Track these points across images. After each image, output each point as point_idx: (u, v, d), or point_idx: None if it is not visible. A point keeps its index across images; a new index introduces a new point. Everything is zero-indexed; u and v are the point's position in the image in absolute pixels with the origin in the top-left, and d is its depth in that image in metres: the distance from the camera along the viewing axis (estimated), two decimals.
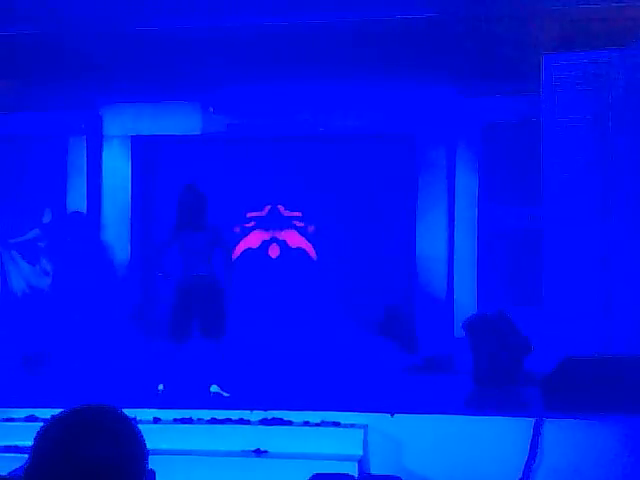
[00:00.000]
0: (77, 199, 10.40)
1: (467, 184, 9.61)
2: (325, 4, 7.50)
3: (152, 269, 8.45)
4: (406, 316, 9.72)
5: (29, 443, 5.53)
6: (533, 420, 6.10)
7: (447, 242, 9.66)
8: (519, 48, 8.05)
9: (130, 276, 10.35)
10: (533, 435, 6.03)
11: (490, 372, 6.67)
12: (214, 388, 7.37)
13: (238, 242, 10.28)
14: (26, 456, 5.28)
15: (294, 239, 10.37)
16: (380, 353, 9.12)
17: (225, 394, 7.35)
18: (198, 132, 10.30)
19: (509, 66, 8.36)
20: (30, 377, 8.62)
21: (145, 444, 1.97)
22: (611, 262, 7.50)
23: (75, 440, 1.84)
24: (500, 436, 6.12)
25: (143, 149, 10.64)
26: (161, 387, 7.36)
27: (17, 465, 5.40)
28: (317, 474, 5.16)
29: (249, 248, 10.40)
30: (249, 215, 10.44)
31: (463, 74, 8.74)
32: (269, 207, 10.43)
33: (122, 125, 10.47)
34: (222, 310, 7.54)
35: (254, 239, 10.40)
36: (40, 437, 1.89)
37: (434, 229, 9.72)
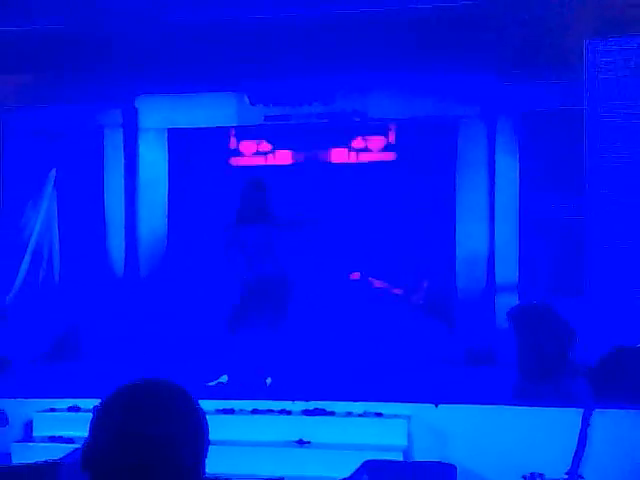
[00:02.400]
0: (114, 192, 10.41)
1: (508, 172, 9.48)
2: None
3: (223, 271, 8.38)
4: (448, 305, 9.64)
5: (72, 433, 5.53)
6: (581, 411, 6.00)
7: (488, 231, 9.54)
8: (561, 34, 7.94)
9: (166, 270, 10.31)
10: (581, 426, 5.93)
11: (536, 363, 6.56)
12: (270, 380, 7.37)
13: None
14: (69, 446, 5.27)
15: None
16: (423, 344, 9.05)
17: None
18: (234, 124, 10.25)
19: (550, 53, 8.24)
20: (64, 365, 8.67)
21: (205, 418, 1.91)
22: None
23: (133, 417, 1.79)
24: (548, 427, 6.04)
25: (179, 141, 10.61)
26: (225, 378, 7.39)
27: (61, 455, 5.42)
28: (368, 460, 5.11)
29: None
30: None
31: (504, 61, 8.63)
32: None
33: (158, 117, 10.45)
34: (285, 303, 7.54)
35: None
36: (98, 414, 1.84)
37: (474, 218, 9.60)
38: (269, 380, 7.38)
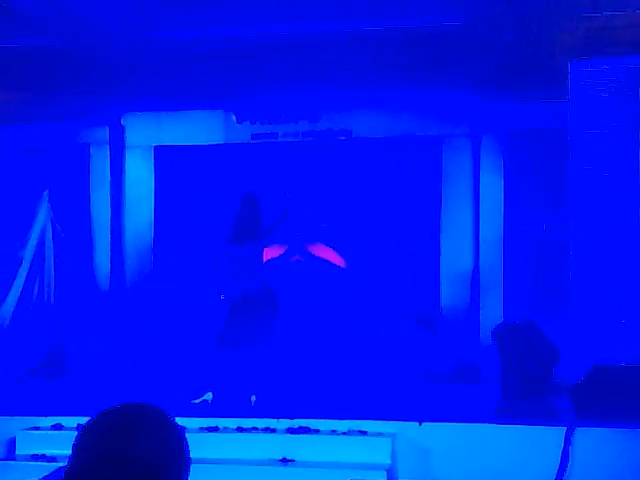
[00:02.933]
0: (100, 209, 10.40)
1: (492, 190, 9.55)
2: (350, 12, 7.50)
3: (211, 289, 8.39)
4: (431, 321, 9.66)
5: (55, 451, 5.52)
6: (564, 429, 6.02)
7: (472, 248, 9.59)
8: (545, 55, 8.01)
9: (152, 285, 10.30)
10: (564, 444, 5.96)
11: (519, 381, 6.59)
12: (254, 398, 7.36)
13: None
14: (52, 464, 5.24)
15: (319, 250, 10.32)
16: (408, 360, 9.07)
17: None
18: (221, 141, 10.28)
19: (535, 72, 8.32)
20: (50, 382, 8.64)
21: (186, 440, 1.93)
22: None
23: (117, 438, 1.81)
24: (531, 445, 6.06)
25: (166, 159, 10.61)
26: (210, 396, 7.37)
27: (44, 473, 5.40)
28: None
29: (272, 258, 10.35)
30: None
31: (489, 80, 8.70)
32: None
33: (144, 135, 10.47)
34: (271, 320, 7.56)
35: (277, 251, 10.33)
36: (81, 436, 1.86)
37: (459, 235, 9.65)
38: (254, 398, 7.38)
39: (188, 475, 1.90)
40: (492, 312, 9.13)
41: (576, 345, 7.35)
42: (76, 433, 1.87)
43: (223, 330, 7.59)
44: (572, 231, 7.74)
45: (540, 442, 6.05)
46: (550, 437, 6.02)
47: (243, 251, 7.52)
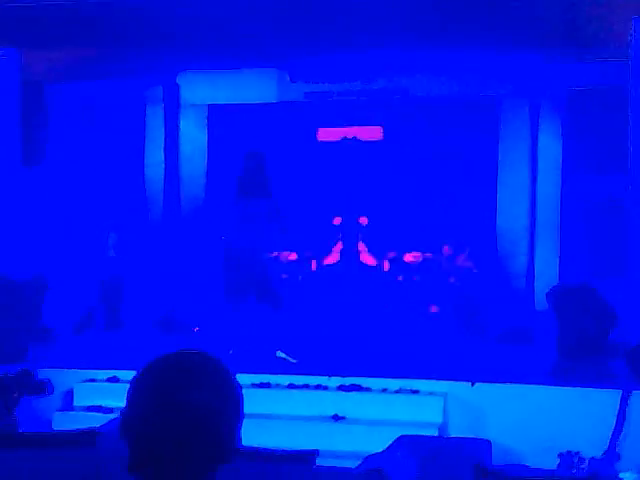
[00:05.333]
0: (155, 168, 10.48)
1: (551, 152, 9.39)
2: None
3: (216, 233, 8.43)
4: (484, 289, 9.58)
5: (111, 403, 5.60)
6: (620, 392, 5.95)
7: (529, 211, 9.47)
8: (606, 11, 7.78)
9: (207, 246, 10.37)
10: (620, 407, 5.88)
11: (576, 343, 6.50)
12: (280, 354, 7.37)
13: None
14: (109, 415, 5.33)
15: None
16: (463, 320, 9.03)
17: (292, 360, 7.34)
18: (274, 100, 10.24)
19: (595, 31, 8.10)
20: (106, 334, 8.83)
21: (241, 389, 1.92)
22: None
23: (171, 385, 1.81)
24: (586, 407, 6.00)
25: (220, 117, 10.63)
26: (231, 351, 7.41)
27: (100, 424, 5.50)
28: (403, 435, 5.11)
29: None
30: None
31: (548, 40, 8.50)
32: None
33: (199, 93, 10.49)
34: (266, 281, 7.56)
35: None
36: (136, 381, 1.87)
37: (516, 197, 9.53)
38: (280, 353, 7.36)
39: (241, 425, 1.90)
40: (548, 275, 9.02)
41: (634, 308, 7.24)
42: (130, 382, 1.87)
43: (231, 282, 7.60)
44: (631, 193, 7.58)
45: (596, 404, 5.98)
46: (606, 399, 5.95)
47: (252, 207, 7.50)
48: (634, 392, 5.94)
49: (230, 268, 7.58)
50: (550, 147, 9.40)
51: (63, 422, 6.37)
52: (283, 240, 7.86)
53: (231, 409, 1.86)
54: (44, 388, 4.97)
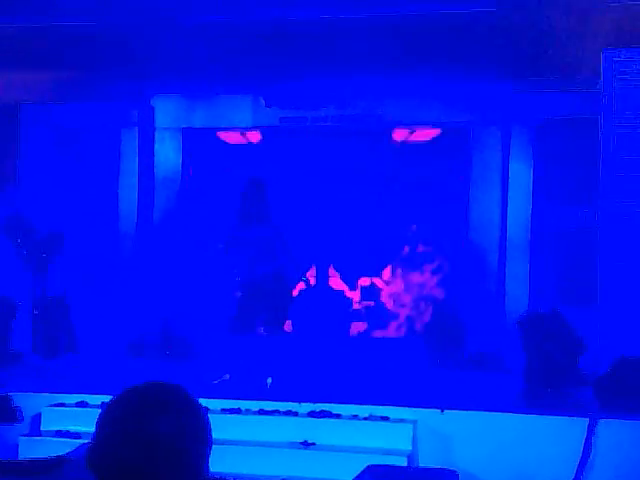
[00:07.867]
0: (129, 190, 10.46)
1: (522, 180, 9.48)
2: None
3: (223, 270, 8.46)
4: (454, 313, 9.62)
5: (79, 428, 5.54)
6: (587, 420, 5.99)
7: (499, 239, 9.54)
8: (577, 43, 7.92)
9: (177, 267, 10.36)
10: (587, 435, 5.92)
11: (543, 371, 6.56)
12: (270, 380, 7.39)
13: None
14: (77, 441, 5.29)
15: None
16: (429, 350, 9.05)
17: (225, 376, 7.40)
18: (249, 125, 10.28)
19: (566, 62, 8.22)
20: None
21: (209, 420, 1.94)
22: None
23: (140, 417, 1.83)
24: (553, 435, 6.02)
25: (194, 141, 10.65)
26: (227, 376, 7.43)
27: (67, 450, 5.46)
28: (371, 465, 5.12)
29: None
30: None
31: (519, 69, 8.63)
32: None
33: (173, 117, 10.50)
34: (285, 304, 7.61)
35: None
36: (104, 413, 1.89)
37: (487, 225, 9.60)
38: (270, 380, 7.38)
39: (209, 455, 1.92)
40: (518, 301, 9.09)
41: (601, 337, 7.31)
42: (100, 410, 1.89)
43: (238, 313, 7.65)
44: (601, 223, 7.68)
45: (562, 432, 6.02)
46: (573, 428, 5.98)
47: (255, 235, 7.56)
48: (601, 421, 5.98)
49: (250, 295, 7.57)
50: (521, 175, 9.50)
51: (30, 447, 6.32)
52: (291, 266, 7.86)
53: (197, 438, 1.88)
54: (16, 417, 4.91)
